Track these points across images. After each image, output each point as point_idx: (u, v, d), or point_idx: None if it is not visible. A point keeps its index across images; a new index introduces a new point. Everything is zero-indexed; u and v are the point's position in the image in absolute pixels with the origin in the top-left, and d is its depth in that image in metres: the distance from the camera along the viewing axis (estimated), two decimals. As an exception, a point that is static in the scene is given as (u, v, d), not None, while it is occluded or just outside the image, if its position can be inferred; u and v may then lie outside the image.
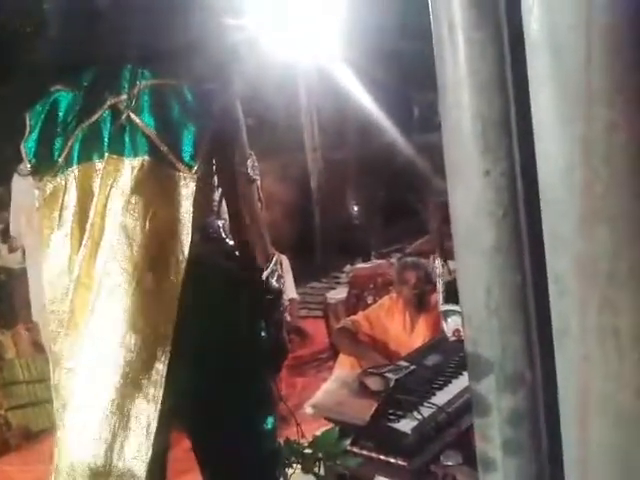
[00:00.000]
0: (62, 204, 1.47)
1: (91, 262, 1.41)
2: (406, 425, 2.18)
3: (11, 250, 4.53)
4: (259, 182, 1.60)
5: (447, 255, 4.59)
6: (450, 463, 1.88)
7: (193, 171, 1.44)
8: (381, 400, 2.30)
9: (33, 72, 1.53)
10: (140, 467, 1.34)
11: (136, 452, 1.34)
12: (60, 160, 1.48)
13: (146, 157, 1.42)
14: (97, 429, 1.34)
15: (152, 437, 1.33)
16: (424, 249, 4.71)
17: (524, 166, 0.70)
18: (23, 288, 4.12)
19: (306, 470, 1.66)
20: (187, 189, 1.44)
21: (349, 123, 7.62)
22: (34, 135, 1.51)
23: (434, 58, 0.80)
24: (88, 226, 1.43)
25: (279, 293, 1.62)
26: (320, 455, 1.68)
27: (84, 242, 1.42)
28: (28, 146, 1.52)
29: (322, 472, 1.69)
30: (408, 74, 6.79)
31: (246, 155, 1.57)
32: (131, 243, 1.39)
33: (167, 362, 1.37)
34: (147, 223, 1.40)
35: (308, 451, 1.68)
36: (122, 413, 1.34)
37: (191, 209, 1.44)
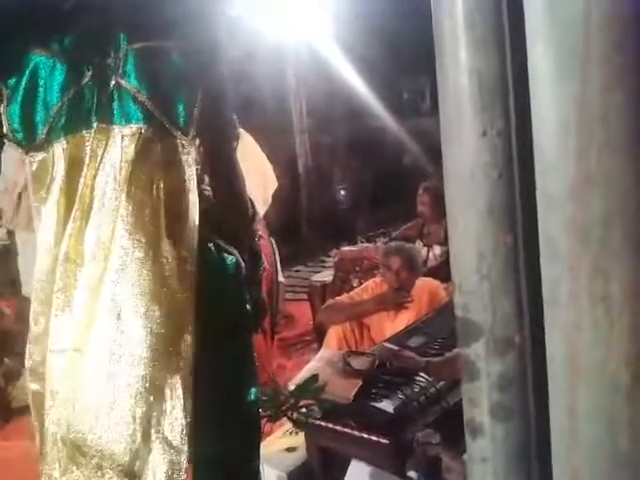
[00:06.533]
0: (51, 178, 1.41)
1: (80, 237, 1.35)
2: (389, 404, 2.20)
3: (-7, 227, 4.44)
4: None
5: (432, 240, 4.60)
6: (433, 441, 1.89)
7: (189, 136, 1.41)
8: (365, 380, 2.32)
9: (11, 37, 1.47)
10: (181, 439, 1.32)
11: (174, 425, 1.31)
12: (45, 132, 1.42)
13: (140, 124, 1.38)
14: (130, 407, 1.29)
15: (188, 407, 1.31)
16: (410, 234, 4.71)
17: (519, 126, 0.69)
18: (5, 265, 4.06)
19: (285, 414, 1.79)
20: (188, 155, 1.41)
21: (338, 106, 7.60)
22: (15, 107, 1.44)
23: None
24: (77, 199, 1.36)
25: (259, 253, 1.62)
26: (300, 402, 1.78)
27: (72, 216, 1.36)
28: (10, 119, 1.47)
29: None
30: (397, 57, 6.77)
31: (229, 118, 1.55)
32: (141, 214, 1.34)
33: (193, 330, 1.34)
34: (154, 192, 1.36)
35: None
36: (155, 388, 1.30)
37: (194, 175, 1.42)
